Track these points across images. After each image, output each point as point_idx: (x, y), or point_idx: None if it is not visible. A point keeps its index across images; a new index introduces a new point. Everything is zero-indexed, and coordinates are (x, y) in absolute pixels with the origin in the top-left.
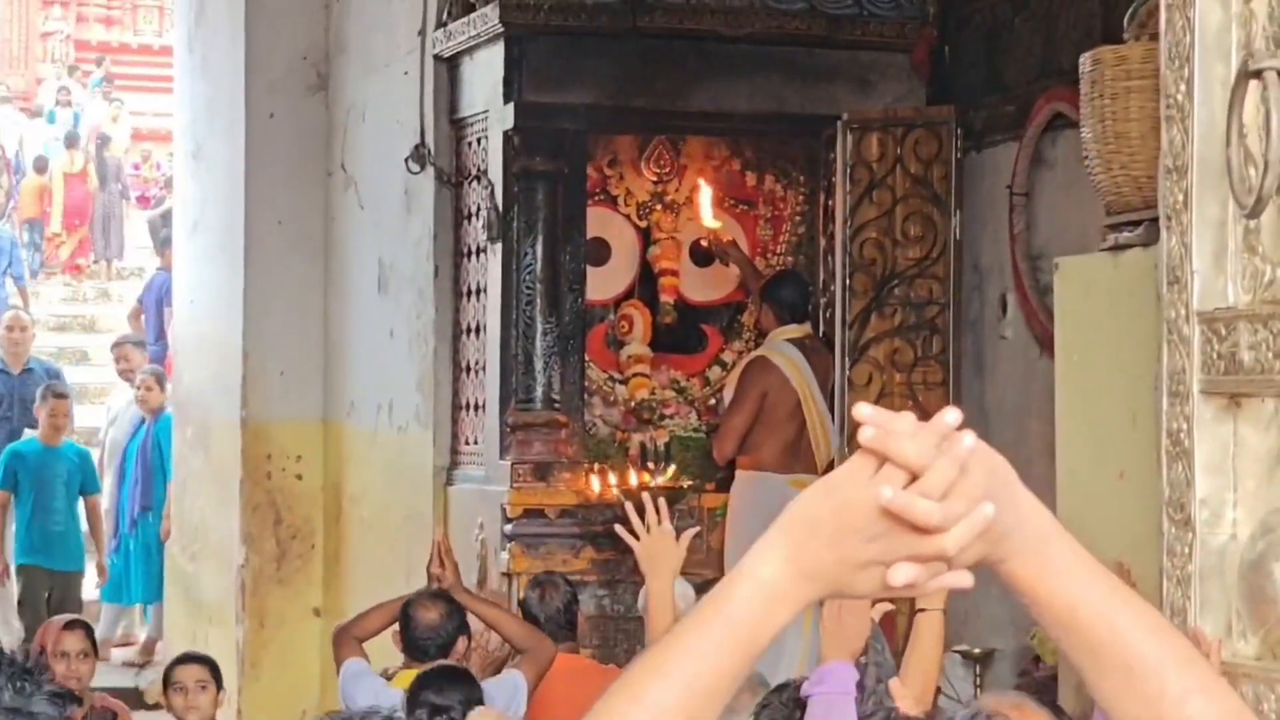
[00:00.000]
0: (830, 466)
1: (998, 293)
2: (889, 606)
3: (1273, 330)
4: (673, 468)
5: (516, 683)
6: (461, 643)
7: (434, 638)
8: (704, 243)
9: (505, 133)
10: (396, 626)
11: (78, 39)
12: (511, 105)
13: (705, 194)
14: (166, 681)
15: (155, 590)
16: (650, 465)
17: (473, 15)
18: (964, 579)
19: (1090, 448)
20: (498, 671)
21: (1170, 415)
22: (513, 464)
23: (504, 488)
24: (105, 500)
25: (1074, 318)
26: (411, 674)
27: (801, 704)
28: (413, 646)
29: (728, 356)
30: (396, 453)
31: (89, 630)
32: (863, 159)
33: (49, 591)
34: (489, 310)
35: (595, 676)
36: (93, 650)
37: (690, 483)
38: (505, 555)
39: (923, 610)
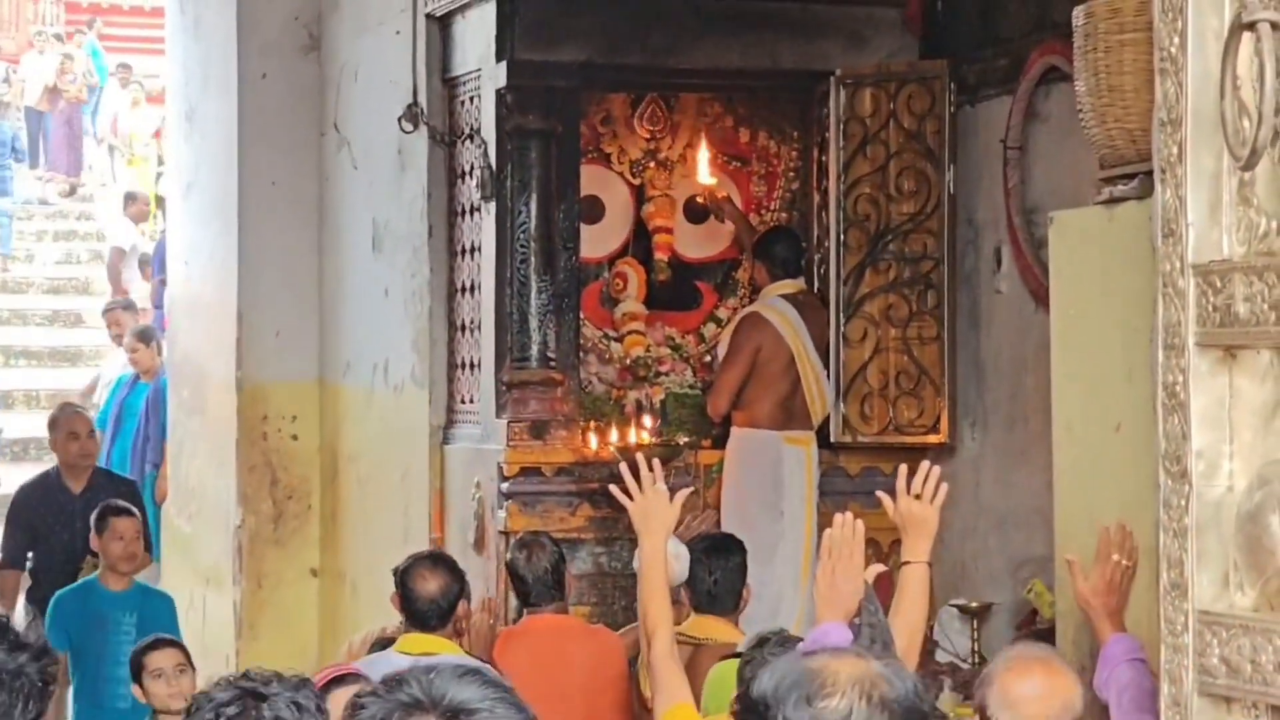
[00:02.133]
0: (825, 422)
1: (992, 247)
2: (882, 568)
3: (1268, 282)
4: (647, 431)
5: None
6: (462, 606)
7: (435, 608)
8: (700, 199)
9: (498, 91)
10: (394, 588)
11: (68, 1)
12: (504, 63)
13: (704, 151)
14: (140, 669)
15: (156, 549)
16: (645, 422)
17: None
18: None
19: (1086, 401)
20: (489, 648)
21: (1166, 368)
22: (509, 422)
23: (500, 446)
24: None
25: (1069, 271)
26: (419, 638)
27: None
28: (415, 617)
29: (722, 313)
30: (392, 412)
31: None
32: (856, 114)
33: None
34: (483, 269)
35: (581, 636)
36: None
37: (686, 440)
38: (502, 514)
39: (908, 563)
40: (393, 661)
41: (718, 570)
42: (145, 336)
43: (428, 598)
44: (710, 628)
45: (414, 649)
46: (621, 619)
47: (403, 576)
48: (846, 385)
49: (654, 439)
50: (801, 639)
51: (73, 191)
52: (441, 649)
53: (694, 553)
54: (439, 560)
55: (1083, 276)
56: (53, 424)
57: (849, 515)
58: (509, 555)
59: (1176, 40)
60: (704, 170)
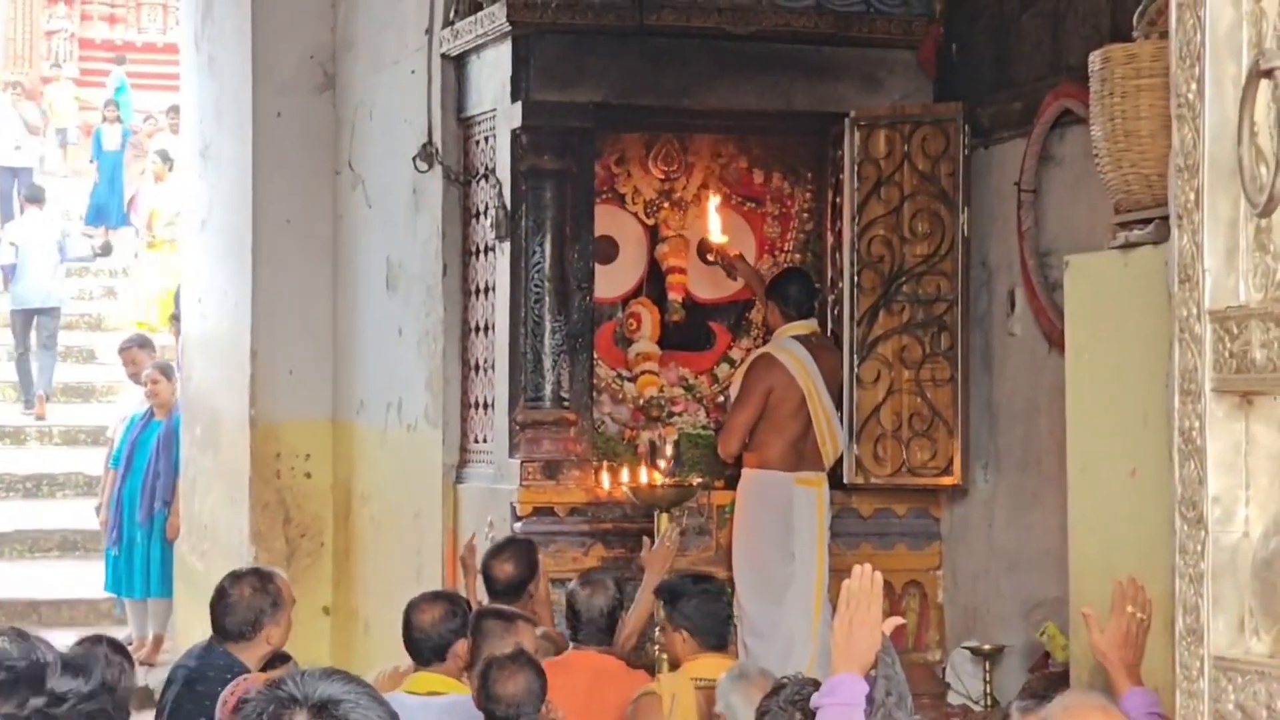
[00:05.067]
0: (838, 464)
1: (1006, 289)
2: (900, 620)
3: None
4: (660, 472)
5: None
6: (461, 645)
7: (427, 640)
8: (710, 257)
9: (513, 131)
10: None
11: (82, 37)
12: (519, 104)
13: (714, 208)
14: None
15: (168, 586)
16: (658, 462)
17: (480, 14)
18: None
19: (1102, 446)
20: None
21: (1182, 413)
22: (522, 462)
23: (513, 486)
24: (106, 494)
25: (1085, 316)
26: (426, 677)
27: (802, 708)
28: (410, 647)
29: (735, 354)
30: (406, 451)
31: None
32: (870, 156)
33: None
34: (498, 308)
35: (620, 678)
36: None
37: (699, 480)
38: None
39: None
40: (400, 701)
41: (720, 607)
42: (167, 371)
43: (419, 627)
44: (721, 667)
45: (421, 688)
46: (632, 659)
47: (406, 611)
48: (860, 427)
49: (666, 480)
50: (819, 681)
51: (108, 252)
52: (449, 688)
53: (700, 590)
54: (440, 596)
55: (1098, 321)
56: None
57: (868, 567)
58: (570, 587)
59: (1194, 86)
60: (715, 229)
